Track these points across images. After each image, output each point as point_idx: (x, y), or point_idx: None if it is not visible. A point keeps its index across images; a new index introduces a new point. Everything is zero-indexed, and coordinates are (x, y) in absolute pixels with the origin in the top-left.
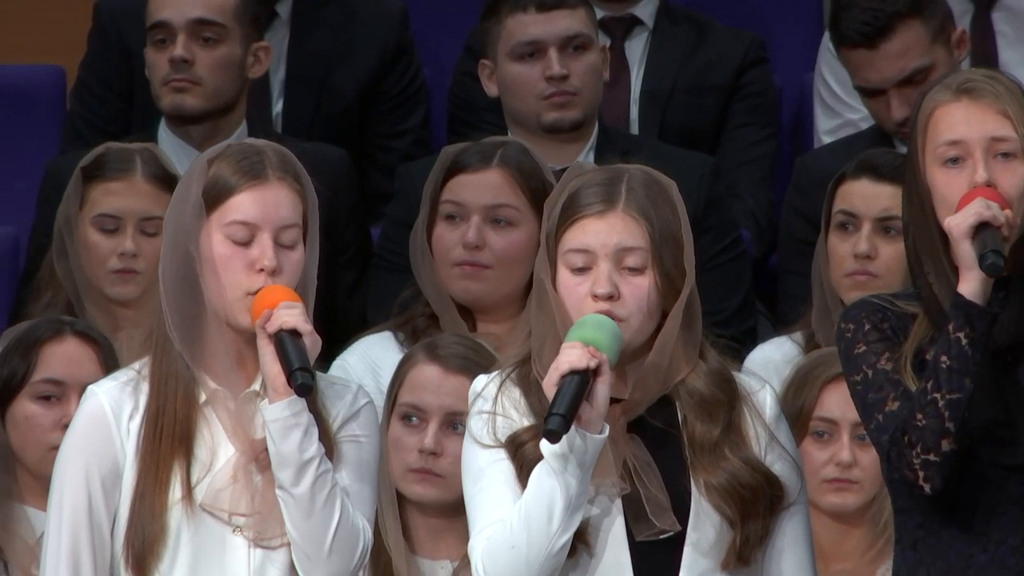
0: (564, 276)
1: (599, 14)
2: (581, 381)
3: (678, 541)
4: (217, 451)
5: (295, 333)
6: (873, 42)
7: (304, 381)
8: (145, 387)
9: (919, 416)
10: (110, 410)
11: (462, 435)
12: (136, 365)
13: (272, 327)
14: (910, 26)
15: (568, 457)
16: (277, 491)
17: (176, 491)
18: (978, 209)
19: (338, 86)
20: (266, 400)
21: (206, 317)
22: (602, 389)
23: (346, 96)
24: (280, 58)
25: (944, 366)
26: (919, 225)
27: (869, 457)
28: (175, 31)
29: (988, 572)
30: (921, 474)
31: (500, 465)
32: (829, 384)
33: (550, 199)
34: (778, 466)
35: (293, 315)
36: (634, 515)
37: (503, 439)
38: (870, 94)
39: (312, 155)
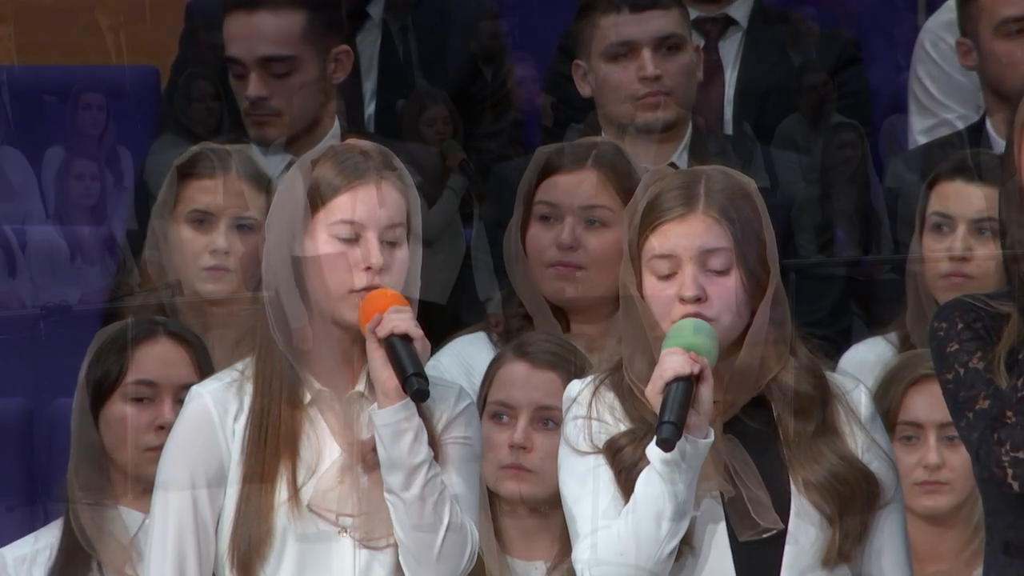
0: (650, 282)
1: (693, 14)
2: (686, 387)
3: (779, 540)
4: (323, 452)
5: (406, 338)
6: None
7: (420, 387)
8: (249, 388)
9: (1008, 414)
10: (215, 411)
11: (553, 431)
12: (239, 366)
13: (383, 331)
14: None
15: (679, 464)
16: (386, 495)
17: (282, 492)
18: None
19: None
20: (375, 404)
21: (311, 317)
22: (706, 393)
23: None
24: (372, 60)
25: None
26: (1016, 223)
27: (958, 457)
28: (247, 68)
29: None
30: (1010, 471)
31: (599, 471)
32: (913, 387)
33: (629, 207)
34: (875, 464)
35: (404, 319)
36: (737, 516)
37: (600, 445)
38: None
39: (407, 155)
